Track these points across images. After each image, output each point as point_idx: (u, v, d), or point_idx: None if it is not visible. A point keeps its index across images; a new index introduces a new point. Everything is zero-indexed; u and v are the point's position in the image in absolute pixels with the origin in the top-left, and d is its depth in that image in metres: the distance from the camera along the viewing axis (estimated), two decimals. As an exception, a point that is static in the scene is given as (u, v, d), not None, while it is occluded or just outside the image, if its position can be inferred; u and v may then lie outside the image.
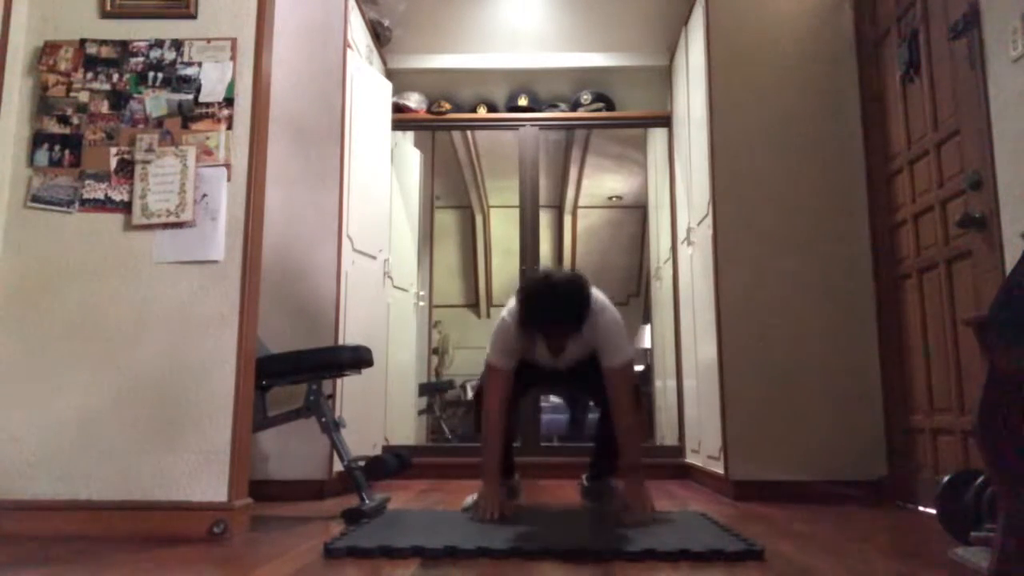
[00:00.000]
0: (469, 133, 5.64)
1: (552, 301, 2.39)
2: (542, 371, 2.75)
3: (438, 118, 4.64)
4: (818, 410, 3.10)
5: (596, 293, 2.55)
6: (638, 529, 2.19)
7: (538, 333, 2.51)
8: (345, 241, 3.33)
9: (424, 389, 5.29)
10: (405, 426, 4.59)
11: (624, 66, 4.57)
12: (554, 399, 5.58)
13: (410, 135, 4.95)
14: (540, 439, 4.44)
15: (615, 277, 7.26)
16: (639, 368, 5.92)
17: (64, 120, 2.38)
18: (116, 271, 2.30)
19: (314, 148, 3.30)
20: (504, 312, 2.59)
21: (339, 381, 3.12)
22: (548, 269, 2.57)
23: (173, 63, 2.41)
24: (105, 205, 2.33)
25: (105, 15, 2.43)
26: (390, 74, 4.50)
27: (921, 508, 2.77)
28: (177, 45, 2.42)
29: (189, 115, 2.38)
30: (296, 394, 2.72)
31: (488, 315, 7.48)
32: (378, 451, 3.53)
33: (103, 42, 2.43)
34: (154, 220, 2.31)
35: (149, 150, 2.35)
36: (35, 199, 2.33)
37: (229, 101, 2.38)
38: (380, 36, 4.35)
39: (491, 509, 2.40)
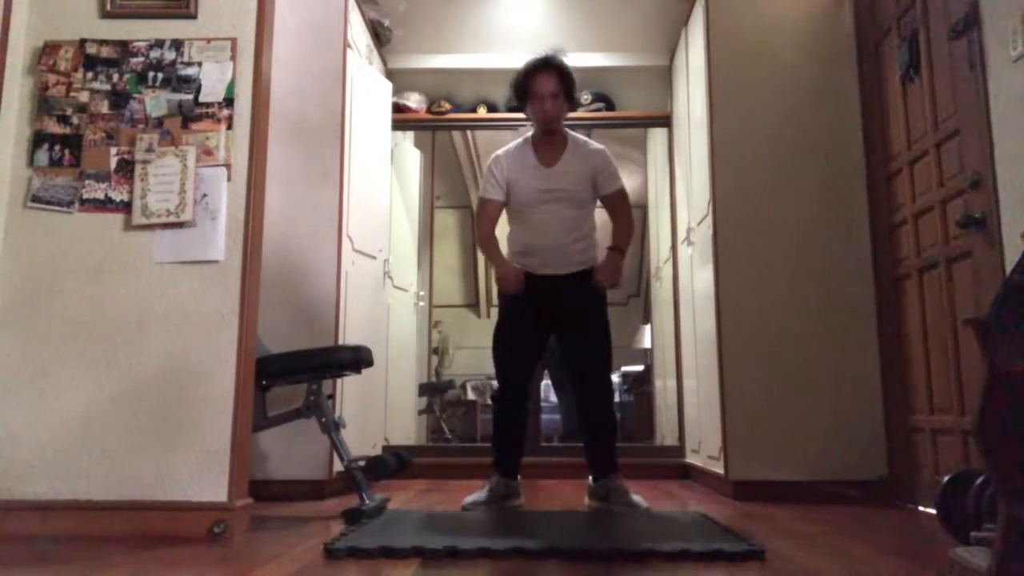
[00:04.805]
0: (469, 133, 5.64)
1: (539, 56, 2.90)
2: (542, 307, 2.89)
3: (438, 118, 4.64)
4: (818, 410, 3.10)
5: None
6: (638, 530, 2.19)
7: (531, 94, 2.88)
8: (345, 241, 3.33)
9: (424, 389, 5.29)
10: (405, 426, 4.59)
11: (624, 66, 4.57)
12: (553, 399, 5.58)
13: (410, 135, 4.95)
14: (540, 439, 4.44)
15: (615, 277, 7.23)
16: (639, 368, 5.92)
17: (64, 120, 2.38)
18: (116, 271, 2.30)
19: (314, 148, 3.30)
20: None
21: (339, 381, 3.12)
22: None
23: (173, 63, 2.41)
24: (105, 205, 2.33)
25: (105, 15, 2.43)
26: (390, 74, 4.50)
27: (921, 508, 2.77)
28: (177, 45, 2.42)
29: (189, 115, 2.38)
30: (296, 394, 2.72)
31: (488, 315, 7.47)
32: (378, 451, 3.53)
33: (103, 42, 2.43)
34: (154, 220, 2.31)
35: (149, 150, 2.35)
36: (35, 199, 2.33)
37: (229, 101, 2.38)
38: (380, 36, 4.35)
39: (513, 278, 2.81)
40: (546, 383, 5.40)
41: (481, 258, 7.39)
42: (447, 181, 6.33)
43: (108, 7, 2.43)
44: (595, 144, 3.00)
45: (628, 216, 2.96)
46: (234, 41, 2.41)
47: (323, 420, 2.63)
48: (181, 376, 2.24)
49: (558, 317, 2.88)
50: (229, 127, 2.37)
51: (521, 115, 4.60)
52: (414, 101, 4.58)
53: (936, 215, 2.71)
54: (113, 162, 2.36)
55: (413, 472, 3.64)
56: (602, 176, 2.92)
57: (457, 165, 6.23)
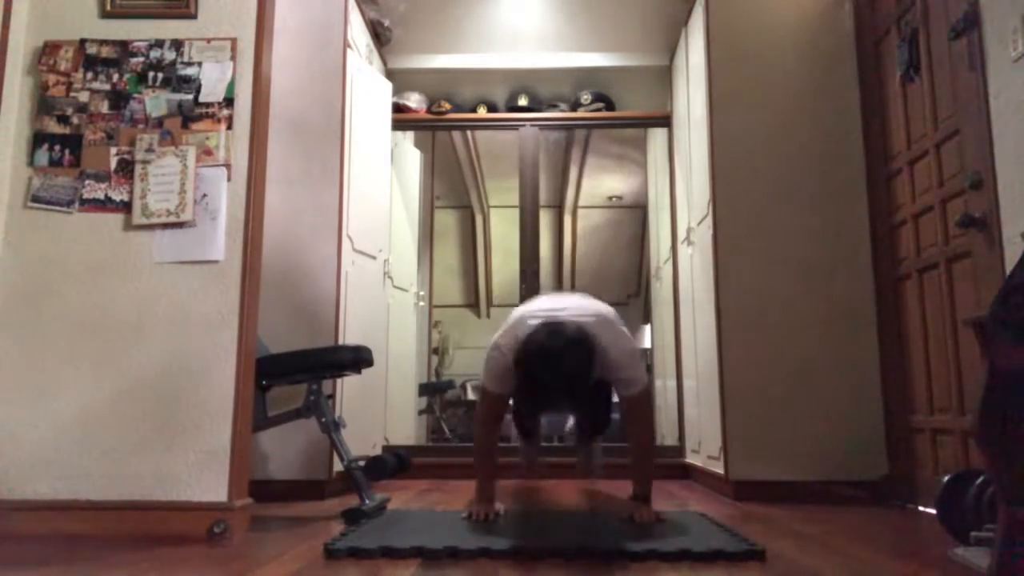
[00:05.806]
0: (469, 133, 5.64)
1: (554, 376, 2.13)
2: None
3: (438, 118, 4.64)
4: (818, 410, 3.10)
5: (603, 321, 2.36)
6: (638, 530, 2.19)
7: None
8: (345, 241, 3.33)
9: (424, 389, 5.29)
10: (405, 426, 4.58)
11: (624, 66, 4.57)
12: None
13: (410, 135, 4.95)
14: (540, 439, 4.43)
15: (615, 277, 7.25)
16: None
17: (64, 120, 2.38)
18: (116, 271, 2.30)
19: (314, 148, 3.30)
20: (499, 339, 2.42)
21: (339, 381, 3.12)
22: (550, 323, 2.24)
23: (173, 63, 2.41)
24: (105, 205, 2.33)
25: (105, 15, 2.43)
26: (390, 74, 4.50)
27: (921, 508, 2.77)
28: (177, 45, 2.42)
29: (189, 115, 2.38)
30: (296, 394, 2.72)
31: (488, 315, 7.48)
32: (378, 451, 3.53)
33: (103, 42, 2.43)
34: (154, 220, 2.31)
35: (149, 150, 2.35)
36: (35, 199, 2.33)
37: (229, 101, 2.38)
38: (380, 36, 4.35)
39: (489, 512, 2.40)
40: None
41: (481, 258, 7.39)
42: (447, 181, 6.33)
43: (108, 7, 2.43)
44: (614, 351, 2.34)
45: (644, 423, 2.49)
46: (234, 41, 2.41)
47: (323, 420, 2.63)
48: (181, 376, 2.24)
49: None
50: (229, 127, 2.37)
51: (521, 115, 4.66)
52: (414, 101, 4.58)
53: (936, 215, 2.71)
54: (113, 162, 2.36)
55: (413, 472, 3.64)
56: (615, 383, 2.47)
57: (457, 165, 6.23)
